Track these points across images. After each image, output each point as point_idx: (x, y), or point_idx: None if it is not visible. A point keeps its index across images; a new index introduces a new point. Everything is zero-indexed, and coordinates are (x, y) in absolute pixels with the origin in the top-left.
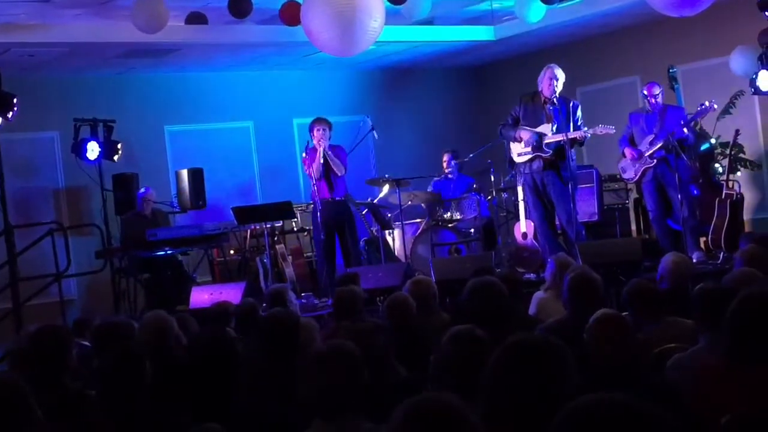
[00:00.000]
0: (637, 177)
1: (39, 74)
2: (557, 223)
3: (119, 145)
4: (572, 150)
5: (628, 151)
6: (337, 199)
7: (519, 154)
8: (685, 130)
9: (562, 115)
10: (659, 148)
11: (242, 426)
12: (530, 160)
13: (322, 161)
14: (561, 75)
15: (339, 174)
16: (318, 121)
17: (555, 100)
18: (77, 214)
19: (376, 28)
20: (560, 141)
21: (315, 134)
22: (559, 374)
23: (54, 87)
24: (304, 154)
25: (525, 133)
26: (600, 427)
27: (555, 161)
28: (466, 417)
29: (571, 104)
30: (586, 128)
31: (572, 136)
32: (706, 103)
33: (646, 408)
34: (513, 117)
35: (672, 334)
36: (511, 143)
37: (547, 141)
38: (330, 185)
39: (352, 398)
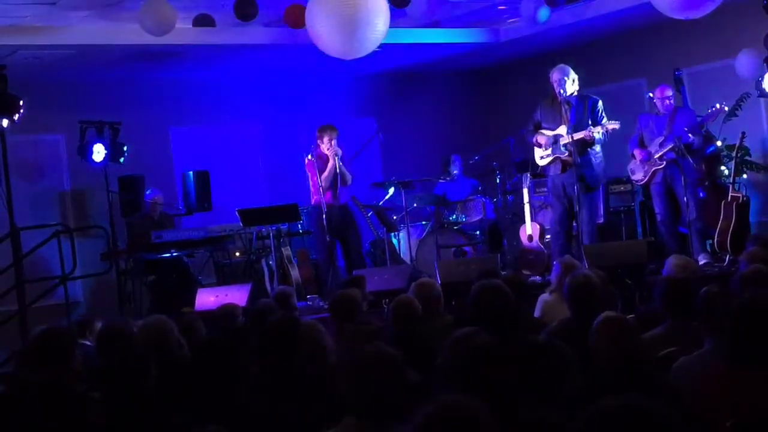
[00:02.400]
0: (646, 179)
1: (45, 76)
2: (575, 224)
3: (125, 147)
4: (596, 149)
5: (637, 153)
6: (341, 204)
7: (541, 158)
8: (691, 135)
9: (580, 114)
10: (668, 151)
11: (245, 427)
12: (551, 162)
13: (337, 170)
14: (569, 75)
15: (347, 183)
16: (329, 129)
17: (570, 100)
18: (83, 216)
19: (381, 30)
20: (577, 141)
21: (326, 142)
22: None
23: (60, 89)
24: (309, 158)
25: (542, 138)
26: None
27: (574, 161)
28: (486, 421)
29: (588, 101)
30: (594, 127)
31: (578, 137)
32: (717, 106)
33: (663, 411)
34: (534, 122)
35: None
36: (535, 148)
37: (563, 142)
38: (335, 192)
39: (392, 400)
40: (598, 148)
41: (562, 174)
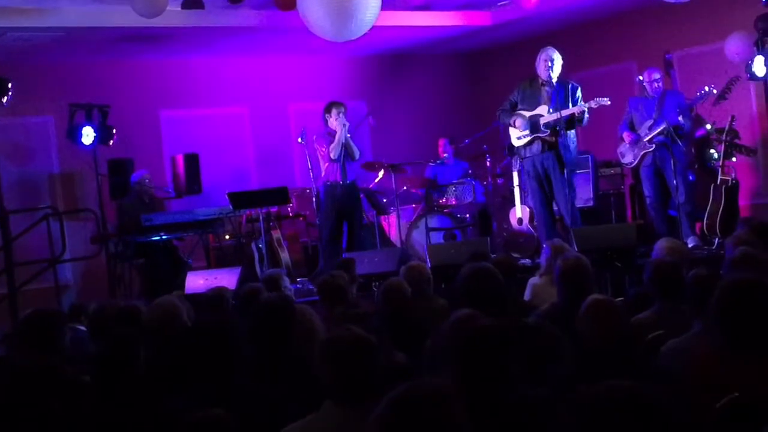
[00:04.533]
0: (636, 162)
1: (34, 58)
2: (555, 208)
3: (114, 130)
4: (572, 132)
5: (626, 135)
6: (348, 182)
7: (518, 138)
8: (681, 117)
9: (560, 97)
10: (658, 134)
11: (244, 410)
12: (529, 143)
13: (344, 142)
14: (557, 57)
15: (355, 158)
16: (336, 104)
17: (553, 82)
18: (72, 199)
19: (374, 13)
20: (559, 120)
21: (335, 116)
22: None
23: (49, 71)
24: (300, 140)
25: (519, 120)
26: (612, 415)
27: (554, 142)
28: (452, 405)
29: (569, 86)
30: (583, 103)
31: (567, 113)
32: (706, 89)
33: (655, 396)
34: (511, 102)
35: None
36: (510, 128)
37: (544, 121)
38: (343, 169)
39: (368, 384)
40: (572, 132)
41: (542, 154)
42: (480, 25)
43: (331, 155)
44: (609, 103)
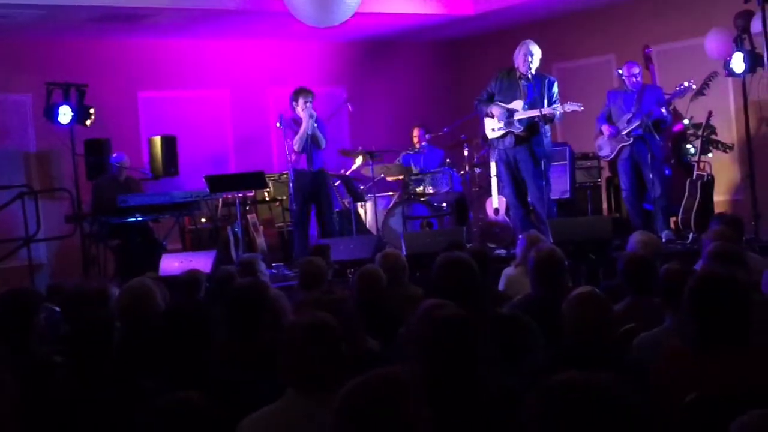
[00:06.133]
0: (613, 155)
1: (12, 37)
2: (529, 199)
3: (91, 110)
4: (546, 126)
5: (605, 128)
6: (315, 170)
7: (492, 130)
8: (664, 110)
9: (537, 92)
10: (636, 127)
11: (218, 394)
12: (503, 136)
13: (310, 133)
14: (536, 51)
15: (321, 147)
16: (304, 91)
17: (530, 76)
18: (48, 178)
19: (355, 0)
20: (532, 117)
21: (301, 104)
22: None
23: (27, 50)
24: (278, 125)
25: (497, 110)
26: (573, 407)
27: (527, 137)
28: (407, 394)
29: (546, 80)
30: (555, 105)
31: (541, 113)
32: (685, 84)
33: (617, 388)
34: (488, 92)
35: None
36: (486, 118)
37: (518, 117)
38: (309, 158)
39: (329, 371)
40: (548, 126)
41: (514, 148)
42: (462, 14)
43: (296, 148)
44: (582, 109)
